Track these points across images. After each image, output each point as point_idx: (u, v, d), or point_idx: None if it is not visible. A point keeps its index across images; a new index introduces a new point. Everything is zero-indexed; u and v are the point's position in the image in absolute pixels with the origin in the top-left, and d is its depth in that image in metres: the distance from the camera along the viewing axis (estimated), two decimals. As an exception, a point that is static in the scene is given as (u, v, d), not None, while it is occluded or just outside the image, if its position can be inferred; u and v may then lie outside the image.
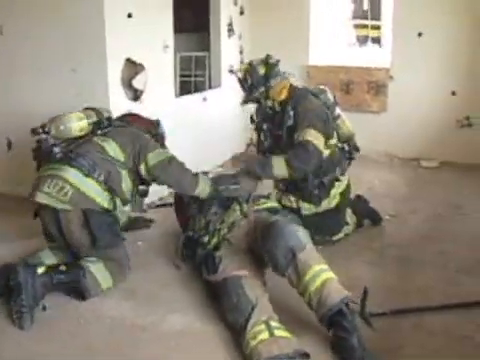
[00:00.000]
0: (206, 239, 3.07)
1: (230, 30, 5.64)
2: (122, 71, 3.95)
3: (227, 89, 5.49)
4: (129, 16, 4.01)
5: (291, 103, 3.47)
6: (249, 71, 3.53)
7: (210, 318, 2.70)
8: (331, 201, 3.57)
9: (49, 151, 3.08)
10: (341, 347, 2.35)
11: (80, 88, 3.96)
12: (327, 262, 2.61)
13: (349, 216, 3.69)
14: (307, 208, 3.55)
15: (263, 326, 2.38)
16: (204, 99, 5.34)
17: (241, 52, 5.91)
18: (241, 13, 5.86)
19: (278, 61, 3.57)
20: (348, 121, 3.77)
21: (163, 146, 3.46)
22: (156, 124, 3.54)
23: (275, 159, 3.37)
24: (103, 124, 3.25)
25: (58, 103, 4.08)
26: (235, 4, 5.73)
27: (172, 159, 3.21)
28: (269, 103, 3.53)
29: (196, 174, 3.26)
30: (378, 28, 8.26)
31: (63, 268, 2.87)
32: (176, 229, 3.65)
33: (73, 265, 2.92)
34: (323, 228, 3.48)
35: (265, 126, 3.65)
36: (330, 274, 2.52)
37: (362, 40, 8.42)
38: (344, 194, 3.63)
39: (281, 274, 2.61)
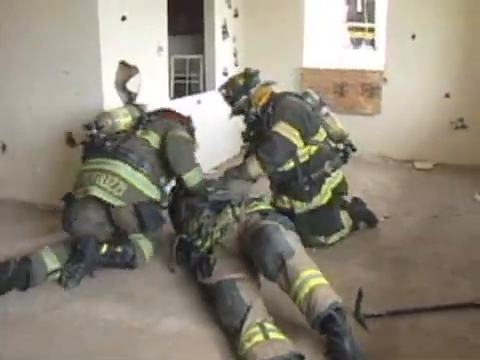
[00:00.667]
0: (199, 243, 3.07)
1: (224, 32, 5.65)
2: (116, 74, 3.95)
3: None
4: (123, 19, 4.00)
5: (271, 105, 3.57)
6: (230, 85, 3.71)
7: (205, 321, 2.69)
8: (323, 197, 3.59)
9: (102, 145, 3.29)
10: (334, 351, 2.34)
11: (74, 91, 3.95)
12: (322, 264, 2.61)
13: (345, 219, 3.67)
14: (299, 206, 3.58)
15: (258, 328, 2.38)
16: (198, 102, 5.34)
17: (235, 54, 5.92)
18: (235, 15, 5.87)
19: (257, 71, 3.74)
20: (339, 121, 3.82)
21: (192, 138, 3.67)
22: (188, 119, 3.75)
23: (248, 159, 3.55)
24: (144, 119, 3.49)
25: (52, 105, 4.08)
26: (229, 7, 5.74)
27: (188, 142, 3.44)
28: (253, 110, 3.65)
29: (197, 164, 3.46)
30: (372, 30, 8.28)
31: (119, 250, 3.14)
32: (170, 232, 3.65)
33: (125, 245, 3.18)
34: (318, 227, 3.50)
35: (252, 133, 3.74)
36: (319, 280, 2.50)
37: (356, 42, 8.44)
38: (336, 190, 3.64)
39: (272, 280, 2.61)
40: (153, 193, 3.29)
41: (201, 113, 5.31)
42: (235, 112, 3.77)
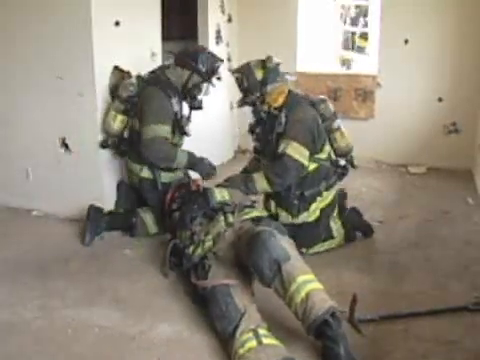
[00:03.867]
0: (190, 250, 3.06)
1: (218, 37, 5.66)
2: (110, 79, 3.94)
3: (215, 96, 5.49)
4: (117, 24, 4.00)
5: (285, 110, 3.37)
6: (246, 73, 3.40)
7: (198, 326, 2.68)
8: (310, 215, 3.46)
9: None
10: (328, 356, 2.34)
11: (68, 96, 3.94)
12: (315, 269, 2.61)
13: (336, 230, 3.59)
14: (284, 216, 3.45)
15: (251, 334, 2.38)
16: (192, 106, 5.32)
17: (229, 59, 5.92)
18: (229, 20, 5.88)
19: (278, 64, 3.41)
20: (347, 135, 3.64)
21: (209, 79, 3.83)
22: (193, 58, 3.75)
23: (256, 175, 3.38)
24: (128, 107, 3.77)
25: (46, 110, 4.07)
26: (223, 12, 5.75)
27: (156, 138, 3.59)
28: (265, 108, 3.41)
29: (176, 151, 3.74)
30: (365, 35, 8.31)
31: (121, 211, 3.93)
32: (164, 237, 3.64)
33: (130, 213, 3.83)
34: (298, 239, 3.18)
35: (258, 129, 3.56)
36: (315, 285, 2.50)
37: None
38: (325, 210, 3.51)
39: (267, 286, 2.59)
40: (145, 173, 3.80)
41: (195, 118, 5.30)
42: (244, 103, 3.50)
